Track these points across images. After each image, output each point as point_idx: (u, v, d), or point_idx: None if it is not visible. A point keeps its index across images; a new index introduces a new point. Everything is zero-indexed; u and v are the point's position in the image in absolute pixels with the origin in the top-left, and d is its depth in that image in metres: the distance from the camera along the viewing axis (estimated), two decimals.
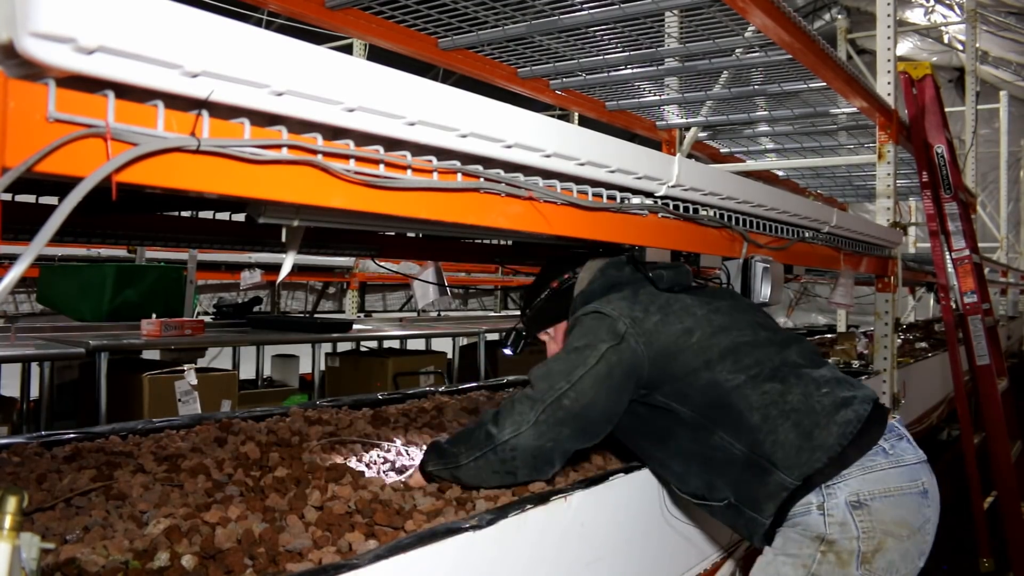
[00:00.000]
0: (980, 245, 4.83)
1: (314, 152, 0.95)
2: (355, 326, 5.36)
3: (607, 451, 1.84)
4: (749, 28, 2.75)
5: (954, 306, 4.20)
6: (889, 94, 3.67)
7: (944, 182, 4.14)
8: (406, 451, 1.85)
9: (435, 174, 1.15)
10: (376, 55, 4.15)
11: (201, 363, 4.58)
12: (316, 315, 8.65)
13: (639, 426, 1.63)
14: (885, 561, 1.46)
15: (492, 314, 10.29)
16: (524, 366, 6.34)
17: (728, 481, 1.55)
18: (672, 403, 1.58)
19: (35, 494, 1.40)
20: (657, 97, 3.67)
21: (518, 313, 1.96)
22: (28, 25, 0.66)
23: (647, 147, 1.62)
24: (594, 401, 1.51)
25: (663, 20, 2.79)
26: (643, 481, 1.68)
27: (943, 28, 11.28)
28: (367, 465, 1.71)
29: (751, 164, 5.31)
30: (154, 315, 3.96)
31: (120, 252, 5.81)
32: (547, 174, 1.37)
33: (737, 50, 2.97)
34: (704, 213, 1.87)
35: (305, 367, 5.93)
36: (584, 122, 3.79)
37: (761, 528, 1.54)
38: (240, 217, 1.99)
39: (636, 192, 1.63)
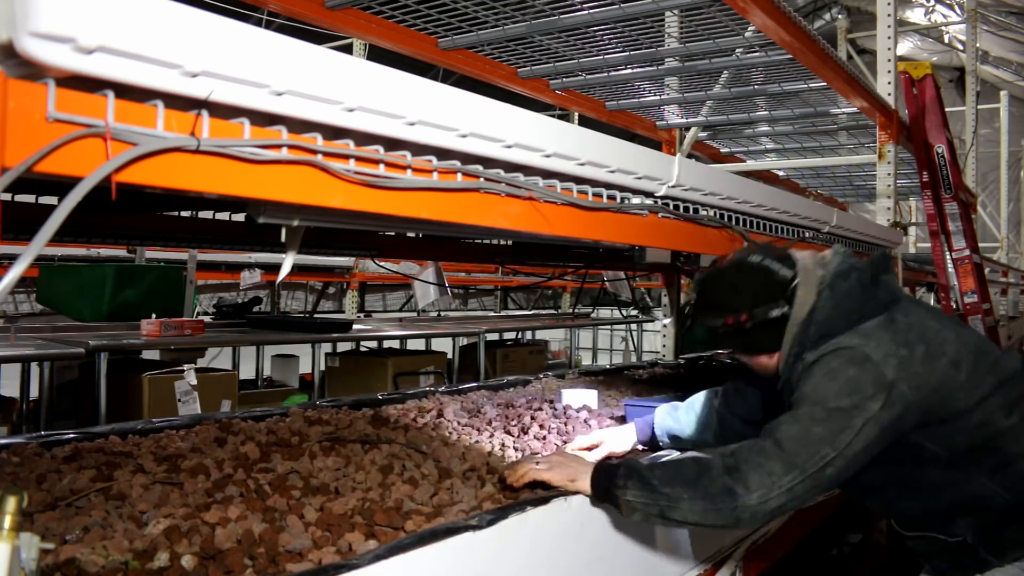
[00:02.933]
0: (980, 245, 4.84)
1: (314, 152, 0.95)
2: (355, 326, 5.36)
3: None
4: (749, 28, 2.75)
5: (954, 306, 4.21)
6: (889, 94, 3.68)
7: (944, 182, 4.14)
8: (407, 453, 1.85)
9: (435, 174, 1.15)
10: (376, 55, 4.15)
11: (201, 363, 4.58)
12: (316, 315, 8.65)
13: (873, 462, 1.43)
14: None
15: (492, 314, 10.29)
16: (526, 367, 6.36)
17: (972, 522, 1.45)
18: (928, 443, 1.43)
19: (35, 494, 1.40)
20: (657, 97, 3.68)
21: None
22: (28, 25, 0.66)
23: (647, 147, 1.62)
24: (858, 461, 1.38)
25: (663, 20, 2.80)
26: None
27: (943, 28, 11.29)
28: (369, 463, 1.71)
29: (751, 164, 5.31)
30: (154, 315, 3.96)
31: (120, 252, 5.81)
32: (547, 174, 1.37)
33: (737, 50, 2.97)
34: (704, 213, 1.87)
35: (305, 367, 5.93)
36: (584, 122, 3.79)
37: (985, 568, 1.45)
38: (240, 217, 1.98)
39: (636, 192, 1.63)
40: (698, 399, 1.96)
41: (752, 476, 1.31)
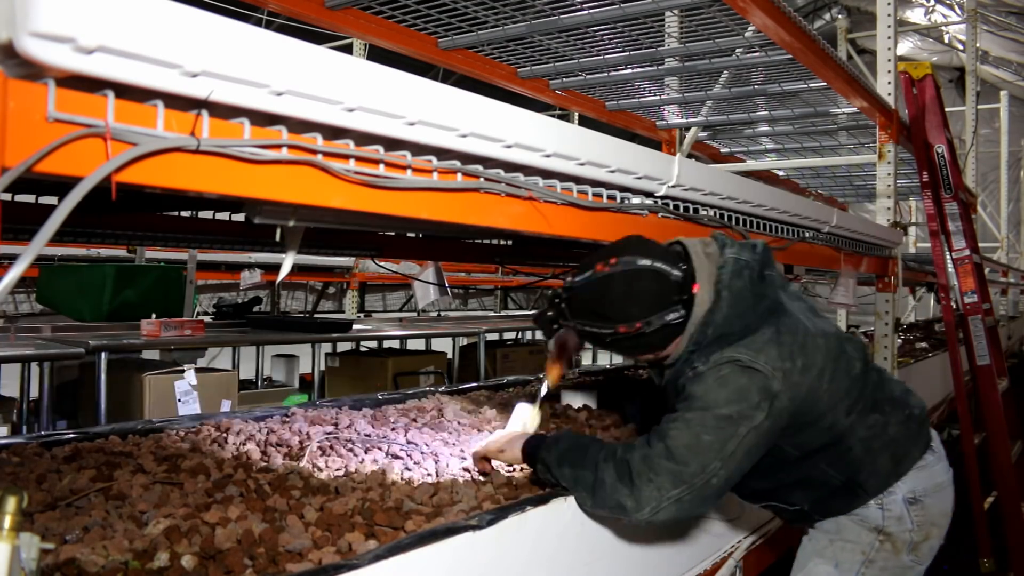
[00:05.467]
0: (980, 245, 4.84)
1: (314, 152, 0.95)
2: (355, 326, 5.36)
3: None
4: (749, 28, 2.75)
5: (954, 306, 4.20)
6: (889, 94, 3.67)
7: (944, 182, 4.14)
8: (407, 453, 1.85)
9: (435, 174, 1.15)
10: (376, 55, 4.15)
11: (201, 363, 4.58)
12: (316, 315, 8.65)
13: None
14: (928, 547, 1.65)
15: (492, 314, 10.29)
16: (526, 368, 6.35)
17: (810, 496, 1.64)
18: (786, 446, 1.53)
19: (35, 494, 1.40)
20: (657, 97, 3.68)
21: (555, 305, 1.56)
22: (28, 25, 0.66)
23: (647, 147, 1.62)
24: (740, 468, 1.45)
25: (663, 20, 2.80)
26: None
27: (943, 28, 11.29)
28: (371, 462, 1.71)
29: (751, 164, 5.31)
30: (154, 315, 3.96)
31: (120, 252, 5.81)
32: (547, 174, 1.37)
33: (737, 50, 2.97)
34: (704, 213, 1.87)
35: (305, 367, 5.93)
36: (584, 122, 3.79)
37: (811, 521, 1.69)
38: (240, 217, 1.99)
39: (636, 192, 1.63)
40: None
41: (643, 490, 1.39)
